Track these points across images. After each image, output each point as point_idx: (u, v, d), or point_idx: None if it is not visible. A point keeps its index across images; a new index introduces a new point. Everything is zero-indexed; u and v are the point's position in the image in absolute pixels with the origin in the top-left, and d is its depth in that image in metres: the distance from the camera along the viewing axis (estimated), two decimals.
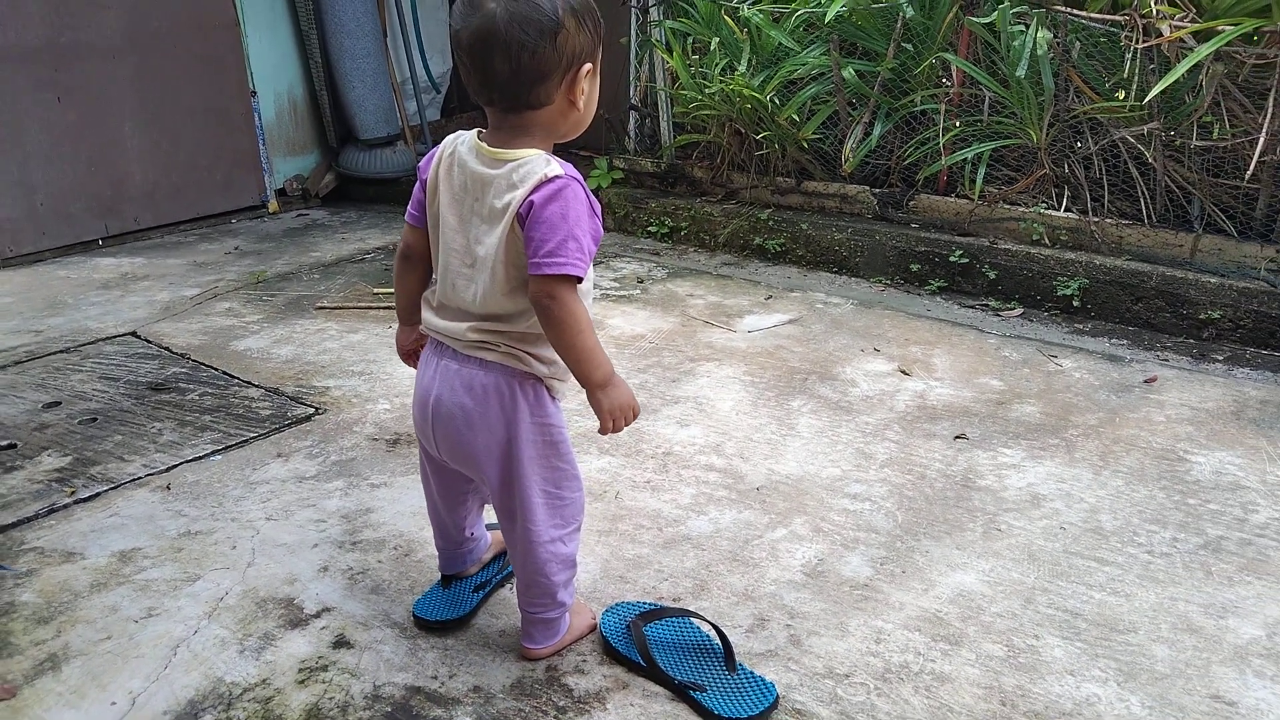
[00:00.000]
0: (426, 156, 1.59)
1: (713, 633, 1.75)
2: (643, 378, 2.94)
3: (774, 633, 1.82)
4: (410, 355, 1.77)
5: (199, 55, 4.78)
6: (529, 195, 1.43)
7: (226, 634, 1.82)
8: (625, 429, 1.60)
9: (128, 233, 4.70)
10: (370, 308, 3.61)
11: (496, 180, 1.47)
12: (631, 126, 4.73)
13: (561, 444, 1.63)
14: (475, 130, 1.54)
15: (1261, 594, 1.91)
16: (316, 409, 2.78)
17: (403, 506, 2.26)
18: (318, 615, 1.88)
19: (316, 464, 2.47)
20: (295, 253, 4.42)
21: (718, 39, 4.10)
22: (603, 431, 1.57)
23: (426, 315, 1.62)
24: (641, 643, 1.70)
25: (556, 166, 1.45)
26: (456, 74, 6.05)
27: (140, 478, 2.40)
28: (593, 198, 1.50)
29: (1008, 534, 2.14)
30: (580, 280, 1.46)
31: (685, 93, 4.20)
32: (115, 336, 3.37)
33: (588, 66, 1.47)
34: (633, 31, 4.56)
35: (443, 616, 1.83)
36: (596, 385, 1.52)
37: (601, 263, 4.12)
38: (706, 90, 4.07)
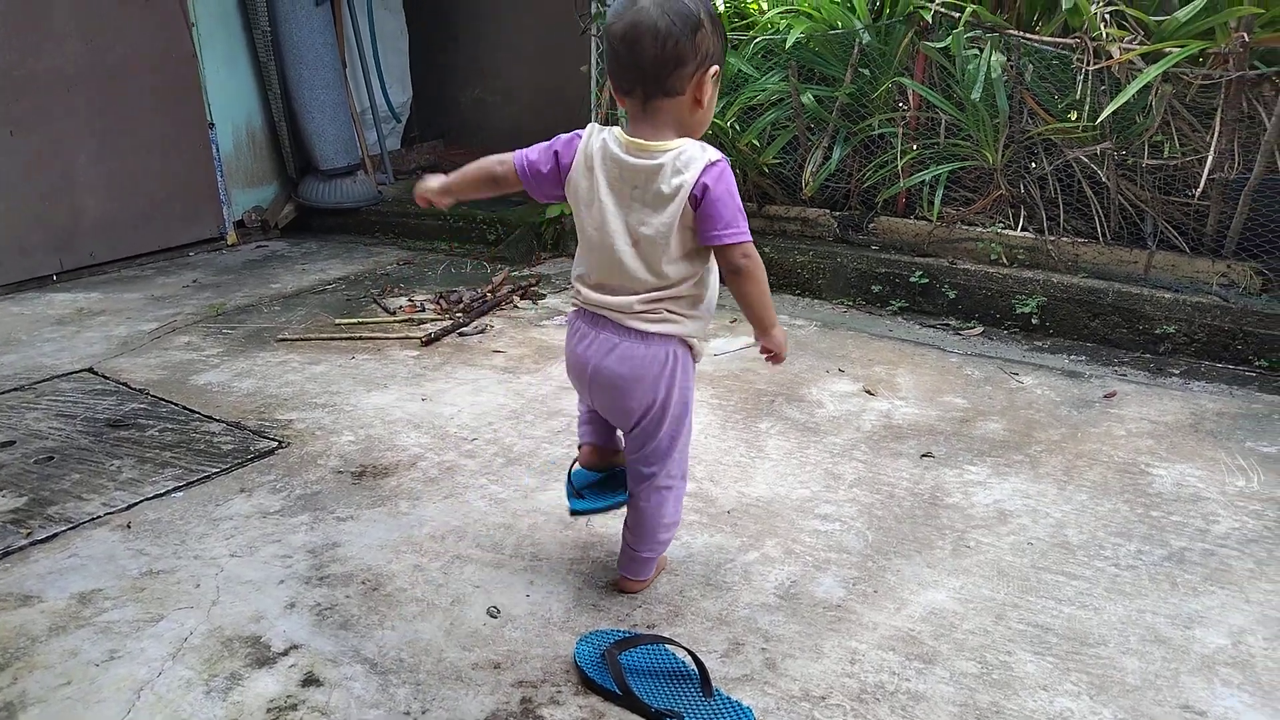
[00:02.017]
0: (568, 138, 1.80)
1: (688, 659, 1.74)
2: None
3: (749, 656, 1.81)
4: (424, 198, 1.96)
5: (156, 87, 4.74)
6: (700, 178, 1.67)
7: (192, 675, 1.78)
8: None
9: (83, 267, 4.62)
10: (333, 339, 3.58)
11: (661, 169, 1.69)
12: None
13: (691, 401, 1.89)
14: (612, 128, 1.76)
15: (1225, 603, 1.94)
16: (280, 442, 2.74)
17: (370, 540, 2.23)
18: (285, 653, 1.84)
19: (281, 498, 2.43)
20: (255, 285, 4.37)
21: None
22: (778, 361, 1.89)
23: (586, 292, 1.83)
24: (617, 671, 1.68)
25: (713, 151, 1.70)
26: (416, 103, 6.05)
27: (99, 517, 2.35)
28: None
29: (977, 550, 2.15)
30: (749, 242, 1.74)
31: None
32: (71, 373, 3.31)
33: (715, 69, 1.71)
34: (593, 59, 4.58)
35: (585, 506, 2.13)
36: (772, 325, 1.83)
37: (567, 289, 4.12)
38: None
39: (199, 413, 2.95)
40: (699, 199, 1.67)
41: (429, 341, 3.51)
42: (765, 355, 1.89)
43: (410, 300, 4.02)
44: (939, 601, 1.97)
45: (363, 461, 2.62)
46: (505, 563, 2.13)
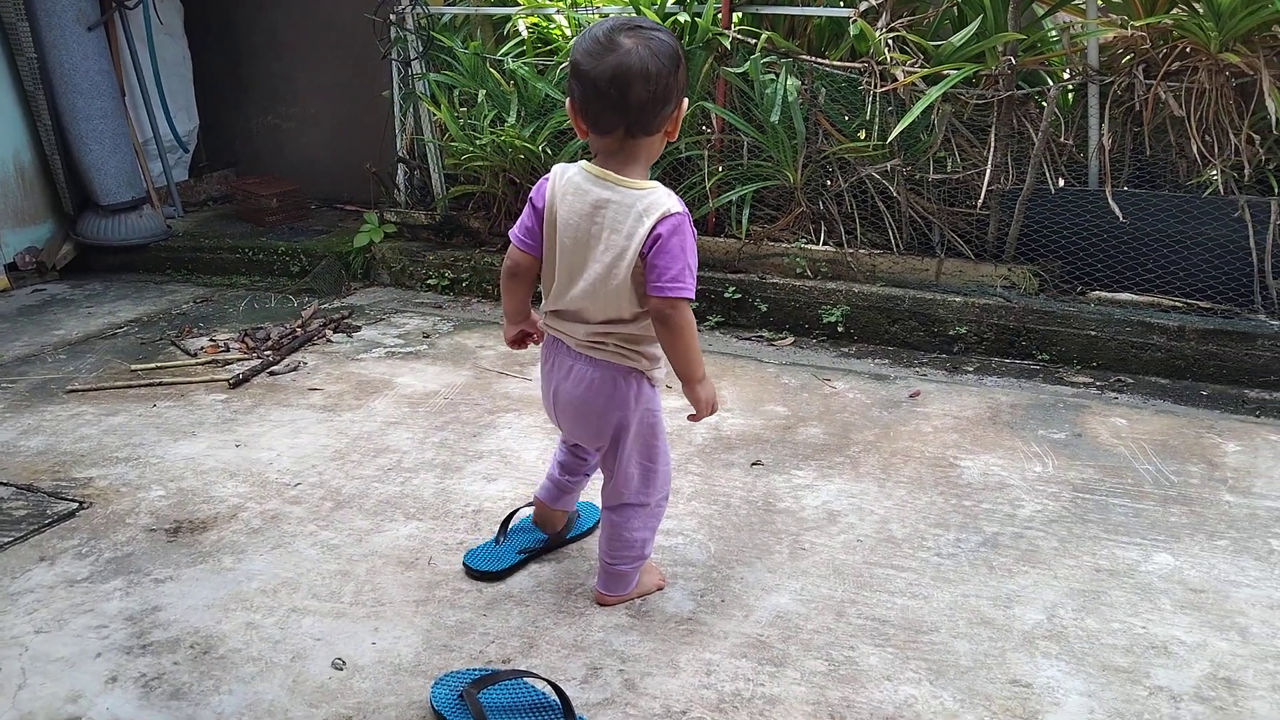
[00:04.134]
0: (538, 185, 1.82)
1: (549, 689, 1.73)
2: (441, 435, 2.88)
3: (608, 680, 1.82)
4: (515, 343, 2.03)
5: None
6: (655, 227, 1.69)
7: None
8: (707, 418, 1.93)
9: None
10: (130, 386, 3.33)
11: (621, 204, 1.72)
12: (401, 179, 4.65)
13: (658, 425, 1.94)
14: (580, 162, 1.78)
15: (1038, 581, 2.11)
16: (80, 503, 2.52)
17: (194, 600, 2.09)
18: None
19: (88, 564, 2.24)
20: (35, 333, 4.01)
21: (484, 91, 4.12)
22: (697, 419, 1.89)
23: (549, 318, 1.89)
24: (477, 711, 1.65)
25: (676, 203, 1.72)
26: (205, 131, 5.73)
27: None
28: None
29: (812, 552, 2.24)
30: (692, 300, 1.75)
31: (455, 144, 4.18)
32: None
33: (685, 102, 1.76)
34: (395, 84, 4.49)
35: (487, 568, 2.12)
36: (697, 381, 1.84)
37: (383, 320, 4.01)
38: (477, 142, 4.07)
39: None
40: (649, 248, 1.70)
41: (237, 383, 3.33)
42: (690, 414, 1.91)
43: (212, 340, 3.80)
44: (783, 605, 2.04)
45: (177, 517, 2.45)
46: (346, 611, 2.05)
